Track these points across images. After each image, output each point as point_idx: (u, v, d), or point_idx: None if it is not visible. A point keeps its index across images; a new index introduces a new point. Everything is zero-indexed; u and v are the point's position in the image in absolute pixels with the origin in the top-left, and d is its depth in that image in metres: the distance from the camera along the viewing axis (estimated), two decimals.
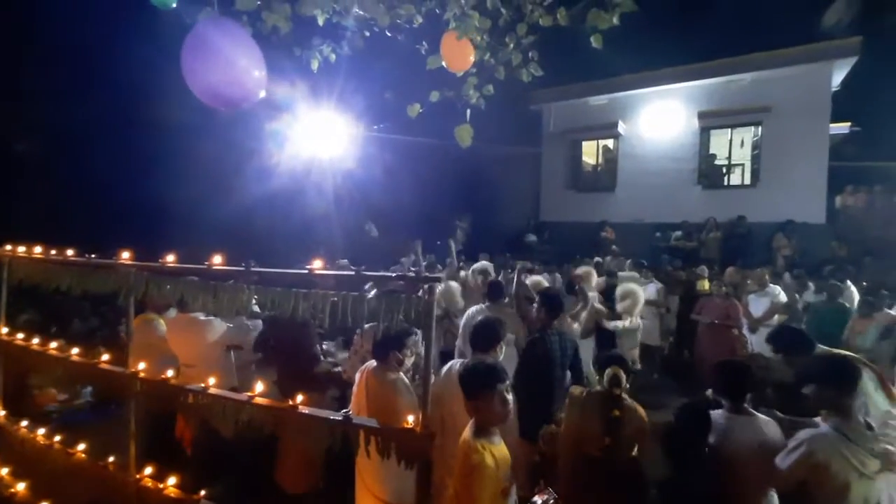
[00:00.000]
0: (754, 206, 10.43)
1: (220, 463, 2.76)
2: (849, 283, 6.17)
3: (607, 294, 5.78)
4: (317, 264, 2.07)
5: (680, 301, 7.37)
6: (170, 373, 2.66)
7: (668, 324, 7.42)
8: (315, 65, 3.88)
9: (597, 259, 8.95)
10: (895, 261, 7.45)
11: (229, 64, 2.03)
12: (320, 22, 3.24)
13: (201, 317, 3.09)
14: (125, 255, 2.70)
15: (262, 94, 2.21)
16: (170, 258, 2.59)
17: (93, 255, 2.91)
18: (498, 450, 1.75)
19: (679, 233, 10.87)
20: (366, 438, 1.97)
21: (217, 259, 2.36)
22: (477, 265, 5.49)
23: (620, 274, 7.19)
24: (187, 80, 2.05)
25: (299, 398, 2.15)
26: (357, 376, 2.36)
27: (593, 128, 12.98)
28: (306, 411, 2.09)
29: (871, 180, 10.12)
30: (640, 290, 5.35)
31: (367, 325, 2.29)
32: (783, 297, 5.95)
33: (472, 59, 3.11)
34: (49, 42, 8.88)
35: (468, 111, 4.56)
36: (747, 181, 11.32)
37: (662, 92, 11.94)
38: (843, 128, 11.24)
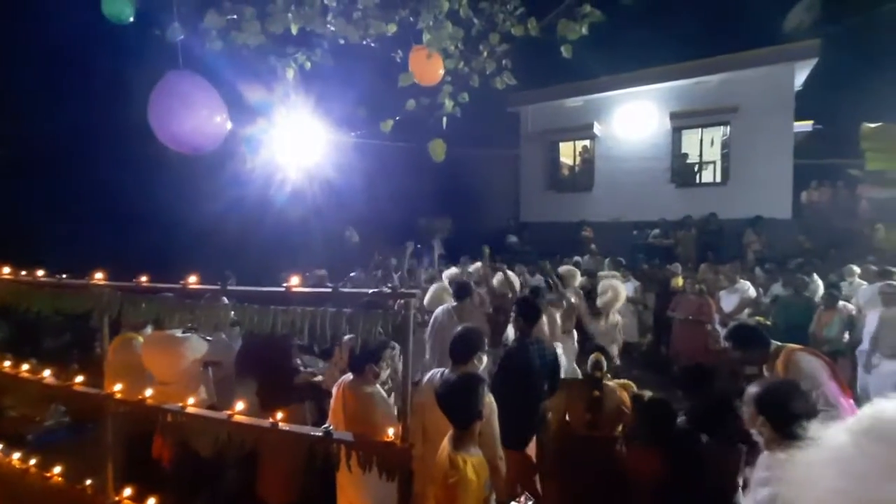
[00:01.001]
0: (725, 203, 10.76)
1: (201, 481, 2.74)
2: (815, 276, 6.44)
3: (587, 293, 5.90)
4: (293, 281, 2.09)
5: (657, 298, 7.56)
6: (148, 392, 2.64)
7: (645, 320, 7.61)
8: (290, 73, 3.87)
9: (576, 258, 9.12)
10: (858, 252, 7.79)
11: (192, 115, 2.25)
12: (293, 31, 3.25)
13: (178, 333, 3.05)
14: (98, 276, 2.66)
15: (225, 133, 2.35)
16: (143, 278, 2.56)
17: (63, 276, 2.85)
18: (478, 460, 1.79)
19: (656, 231, 11.13)
20: (346, 453, 1.99)
21: (192, 279, 2.35)
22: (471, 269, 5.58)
23: (600, 273, 7.34)
24: (154, 129, 2.24)
25: (279, 415, 2.15)
26: (334, 390, 2.38)
27: (570, 129, 13.19)
28: (287, 428, 2.10)
29: (834, 176, 10.56)
30: (622, 286, 5.40)
31: (345, 338, 2.31)
32: (752, 293, 6.17)
33: (441, 72, 3.16)
34: (12, 46, 8.58)
35: (444, 119, 4.61)
36: (718, 179, 11.67)
37: (635, 93, 12.22)
38: (806, 126, 11.69)
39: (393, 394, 2.48)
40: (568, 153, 13.76)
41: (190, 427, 2.38)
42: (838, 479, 0.38)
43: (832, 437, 0.40)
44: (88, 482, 2.67)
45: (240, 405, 2.30)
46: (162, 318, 2.50)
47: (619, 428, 2.63)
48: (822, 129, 11.82)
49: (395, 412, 2.23)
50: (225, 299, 2.51)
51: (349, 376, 2.32)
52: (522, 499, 1.92)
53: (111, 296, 2.59)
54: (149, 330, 3.34)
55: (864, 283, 5.85)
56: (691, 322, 5.98)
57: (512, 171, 14.42)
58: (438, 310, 3.95)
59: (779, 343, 2.68)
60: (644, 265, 8.67)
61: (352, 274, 6.88)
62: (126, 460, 2.80)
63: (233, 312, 2.29)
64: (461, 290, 4.01)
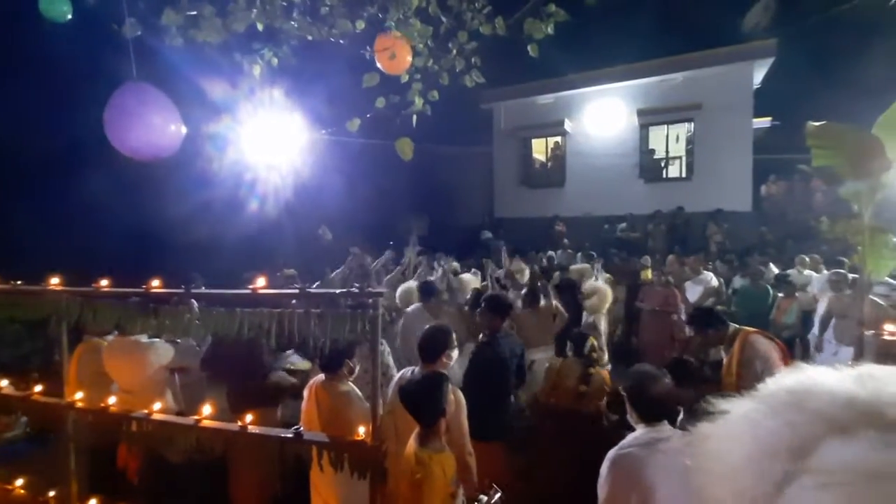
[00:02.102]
0: (690, 197, 11.15)
1: (170, 488, 2.68)
2: (771, 265, 6.76)
3: (560, 287, 6.03)
4: (260, 282, 2.07)
5: (627, 290, 7.79)
6: (111, 400, 2.56)
7: (616, 312, 7.83)
8: (257, 70, 3.81)
9: (549, 253, 9.30)
10: (814, 243, 8.20)
11: (146, 128, 2.37)
12: (259, 27, 3.19)
13: (143, 339, 2.97)
14: (54, 281, 2.56)
15: (180, 138, 2.40)
16: (104, 282, 2.49)
17: (18, 282, 2.73)
18: (444, 456, 1.82)
19: (624, 225, 11.44)
20: (318, 453, 2.00)
21: (156, 282, 2.29)
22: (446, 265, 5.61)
23: (573, 267, 7.50)
24: (110, 138, 2.35)
25: (248, 417, 2.14)
26: (305, 392, 2.37)
27: (542, 125, 13.37)
28: (257, 431, 2.09)
29: (791, 171, 11.07)
30: (608, 289, 5.36)
31: (318, 342, 2.30)
32: (715, 283, 6.43)
33: (409, 59, 3.16)
34: None
35: (414, 117, 4.62)
36: (683, 174, 12.07)
37: (604, 91, 12.48)
38: (764, 122, 12.20)
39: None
40: (540, 149, 13.96)
41: (157, 434, 2.34)
42: (752, 449, 0.39)
43: (744, 409, 0.43)
44: (52, 494, 2.59)
45: (207, 409, 2.27)
46: (125, 324, 2.43)
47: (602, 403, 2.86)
48: (780, 125, 12.35)
49: (369, 409, 2.24)
50: (195, 302, 2.47)
51: (321, 377, 2.32)
52: (491, 492, 1.97)
53: (69, 301, 2.50)
54: (111, 337, 3.24)
55: (813, 272, 6.20)
56: (658, 313, 6.19)
57: (486, 168, 14.52)
58: (409, 309, 3.99)
59: (737, 326, 2.85)
60: (615, 259, 8.91)
61: (332, 275, 6.82)
62: (90, 471, 2.72)
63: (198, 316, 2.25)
64: (426, 289, 4.06)
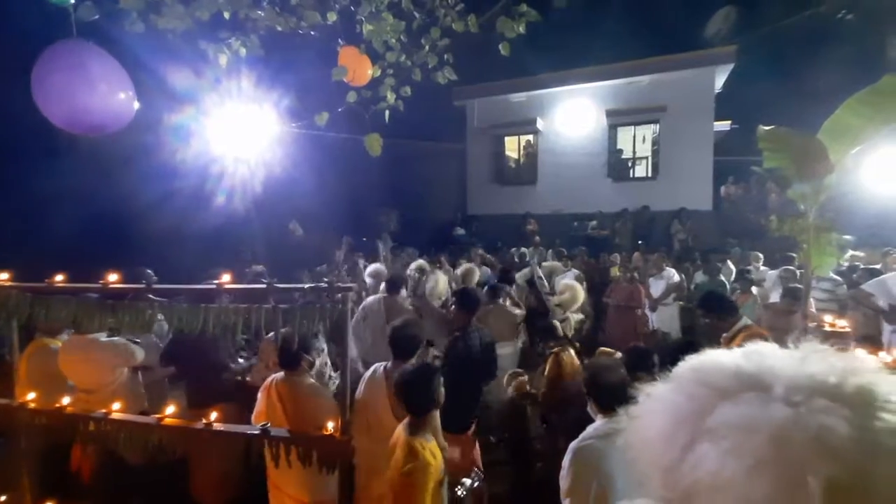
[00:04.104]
0: (655, 196, 11.55)
1: (127, 490, 2.60)
2: (729, 262, 7.10)
3: (531, 283, 6.17)
4: (225, 278, 2.03)
5: (596, 287, 8.01)
6: (65, 400, 2.46)
7: (585, 308, 8.04)
8: (223, 60, 3.71)
9: (522, 249, 9.46)
10: (768, 241, 8.64)
11: (88, 89, 1.96)
12: (226, 15, 3.11)
13: (102, 337, 2.85)
14: (2, 276, 2.43)
15: (132, 113, 2.14)
16: (58, 277, 2.38)
17: None
18: (433, 445, 1.85)
19: (594, 222, 11.74)
20: (286, 449, 1.98)
21: (114, 277, 2.21)
22: (414, 264, 5.60)
23: (544, 264, 7.65)
24: (40, 106, 1.94)
25: (213, 415, 2.10)
26: (260, 393, 2.31)
27: (514, 124, 13.51)
28: (221, 428, 2.06)
29: (748, 172, 11.62)
30: (580, 287, 5.34)
31: (269, 335, 2.26)
32: (676, 278, 6.70)
33: (370, 73, 3.17)
34: None
35: (387, 113, 4.60)
36: (649, 174, 12.47)
37: (574, 91, 12.73)
38: (725, 126, 12.75)
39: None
40: (512, 147, 14.11)
41: (117, 435, 2.26)
42: (664, 422, 0.45)
43: (660, 388, 0.49)
44: (3, 498, 2.47)
45: (171, 408, 2.21)
46: (80, 321, 2.33)
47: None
48: (739, 128, 12.93)
49: (335, 403, 2.23)
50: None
51: (280, 374, 2.28)
52: (473, 476, 2.01)
53: (19, 298, 2.38)
54: (65, 336, 3.09)
55: (767, 268, 6.56)
56: (623, 308, 6.40)
57: (460, 165, 14.57)
58: (369, 300, 3.99)
59: (749, 321, 2.98)
60: (585, 256, 9.14)
61: (317, 268, 6.72)
62: (43, 475, 2.60)
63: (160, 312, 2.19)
64: (392, 283, 4.07)
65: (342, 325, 1.91)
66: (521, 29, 3.71)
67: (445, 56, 4.28)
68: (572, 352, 3.31)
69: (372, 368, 2.34)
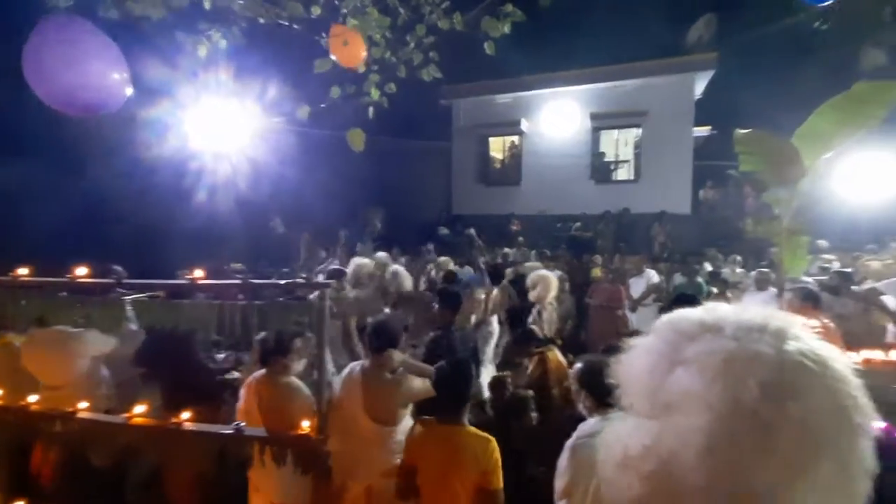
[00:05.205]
0: (636, 199, 11.73)
1: (92, 494, 2.50)
2: (706, 265, 7.25)
3: (514, 283, 6.19)
4: (198, 273, 1.97)
5: (578, 287, 8.09)
6: (32, 398, 2.36)
7: (568, 308, 8.12)
8: (203, 51, 3.62)
9: (505, 250, 9.50)
10: (744, 244, 8.85)
11: (82, 67, 1.89)
12: (206, 5, 3.03)
13: (70, 329, 2.74)
14: None
15: (126, 95, 2.05)
16: (23, 271, 2.28)
17: None
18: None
19: (578, 224, 11.86)
20: (260, 448, 1.94)
21: (82, 271, 2.13)
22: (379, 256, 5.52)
23: (526, 264, 7.71)
24: (32, 85, 1.87)
25: (186, 414, 2.04)
26: (243, 390, 2.27)
27: (499, 124, 13.57)
28: (193, 428, 2.00)
29: (726, 177, 11.89)
30: (551, 276, 5.31)
31: (257, 336, 2.21)
32: (656, 279, 6.81)
33: (363, 54, 3.11)
34: None
35: (371, 109, 4.55)
36: (631, 177, 12.67)
37: (559, 93, 12.84)
38: (704, 131, 13.02)
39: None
40: (497, 148, 14.17)
41: (83, 435, 2.18)
42: (648, 359, 0.61)
43: (643, 339, 0.66)
44: None
45: (140, 408, 2.14)
46: (46, 317, 2.25)
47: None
48: (718, 133, 13.22)
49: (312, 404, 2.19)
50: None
51: (260, 372, 2.24)
52: None
53: None
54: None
55: (744, 270, 6.72)
56: (605, 308, 6.48)
57: (446, 164, 14.58)
58: (315, 294, 3.85)
59: None
60: (568, 256, 9.22)
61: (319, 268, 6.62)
62: (4, 476, 2.49)
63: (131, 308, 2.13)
64: (333, 276, 3.93)
65: (320, 322, 1.88)
66: (506, 29, 3.72)
67: (430, 53, 4.26)
68: (557, 351, 3.33)
69: (348, 367, 2.31)
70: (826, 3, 2.83)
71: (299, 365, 2.18)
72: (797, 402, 0.51)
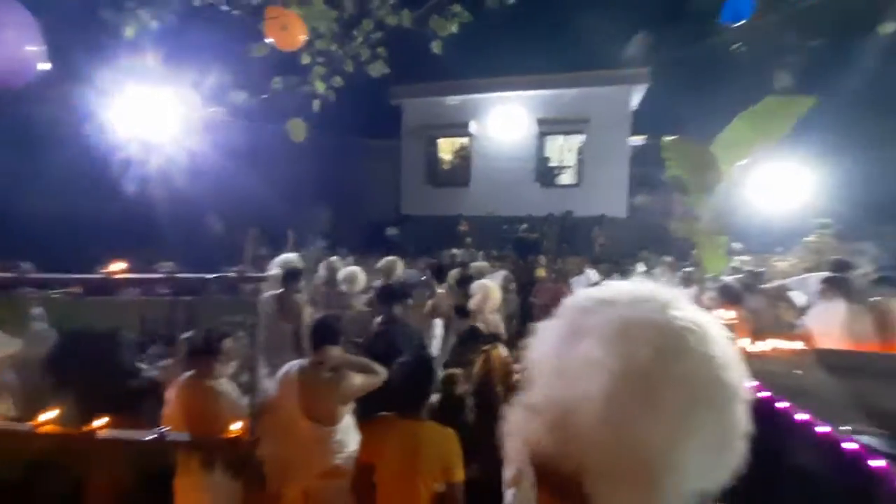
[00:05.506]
0: (578, 203, 12.29)
1: None
2: (639, 265, 7.73)
3: (461, 284, 6.25)
4: (116, 267, 1.83)
5: (523, 287, 8.32)
6: None
7: (512, 308, 8.33)
8: (130, 32, 3.38)
9: (453, 251, 9.58)
10: (675, 246, 9.50)
11: None
12: None
13: None
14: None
15: (37, 69, 1.87)
16: None
17: None
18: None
19: (525, 225, 12.22)
20: (186, 455, 1.83)
21: None
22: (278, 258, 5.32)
23: (472, 264, 7.81)
24: None
25: (102, 420, 1.88)
26: (170, 390, 2.13)
27: (449, 126, 13.70)
28: (110, 435, 1.85)
29: (659, 183, 12.73)
30: (493, 286, 4.90)
31: (184, 335, 2.08)
32: (596, 279, 7.17)
33: (303, 38, 3.02)
34: None
35: (317, 102, 4.43)
36: (574, 181, 13.26)
37: (508, 98, 13.17)
38: (640, 140, 13.86)
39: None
40: (447, 149, 14.28)
41: None
42: (553, 338, 0.65)
43: (547, 323, 0.70)
44: None
45: (50, 414, 1.95)
46: None
47: None
48: (652, 143, 14.12)
49: (242, 406, 2.09)
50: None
51: (187, 373, 2.10)
52: None
53: None
54: None
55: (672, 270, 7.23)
56: (549, 307, 6.64)
57: (396, 163, 14.48)
58: (266, 295, 3.65)
59: None
60: (513, 257, 9.46)
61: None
62: None
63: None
64: (288, 277, 3.78)
65: (254, 318, 1.80)
66: (454, 28, 3.77)
67: (378, 49, 4.22)
68: (502, 348, 3.39)
69: (285, 367, 2.22)
70: (739, 23, 3.11)
71: (229, 367, 2.07)
72: (681, 364, 0.57)
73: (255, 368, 1.84)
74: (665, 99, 13.18)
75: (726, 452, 0.59)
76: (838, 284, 3.68)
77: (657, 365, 0.56)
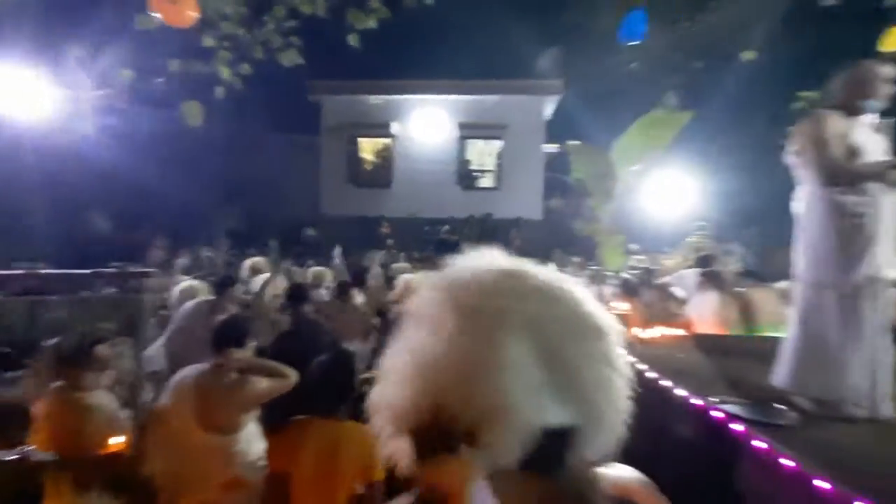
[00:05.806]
0: (497, 205, 12.79)
1: None
2: (551, 265, 8.23)
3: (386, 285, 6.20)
4: None
5: None
6: None
7: None
8: None
9: (374, 252, 9.46)
10: (585, 247, 10.27)
11: None
12: None
13: None
14: None
15: None
16: None
17: None
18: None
19: (447, 227, 12.42)
20: (54, 476, 1.59)
21: None
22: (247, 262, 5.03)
23: (394, 266, 7.76)
24: None
25: None
26: (35, 405, 1.83)
27: (370, 126, 13.53)
28: None
29: (569, 188, 13.68)
30: (417, 280, 4.94)
31: (49, 342, 1.81)
32: None
33: (194, 14, 2.81)
34: None
35: (221, 88, 4.15)
36: (493, 184, 13.78)
37: (430, 101, 13.33)
38: (554, 148, 14.80)
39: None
40: (368, 149, 14.07)
41: None
42: (411, 328, 0.70)
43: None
44: None
45: None
46: None
47: None
48: (564, 151, 15.14)
49: (122, 419, 1.87)
50: None
51: (56, 384, 1.82)
52: None
53: None
54: None
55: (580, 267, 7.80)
56: None
57: (315, 161, 13.96)
58: (191, 303, 3.37)
59: None
60: (434, 259, 9.56)
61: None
62: None
63: None
64: (222, 283, 3.54)
65: (138, 320, 1.62)
66: (372, 23, 3.73)
67: (291, 38, 4.07)
68: None
69: (179, 374, 2.02)
70: (635, 42, 3.47)
71: (105, 377, 1.82)
72: (520, 304, 0.63)
73: (140, 374, 1.65)
74: (575, 110, 14.22)
75: (605, 393, 0.64)
76: (712, 278, 4.26)
77: (490, 304, 0.62)
